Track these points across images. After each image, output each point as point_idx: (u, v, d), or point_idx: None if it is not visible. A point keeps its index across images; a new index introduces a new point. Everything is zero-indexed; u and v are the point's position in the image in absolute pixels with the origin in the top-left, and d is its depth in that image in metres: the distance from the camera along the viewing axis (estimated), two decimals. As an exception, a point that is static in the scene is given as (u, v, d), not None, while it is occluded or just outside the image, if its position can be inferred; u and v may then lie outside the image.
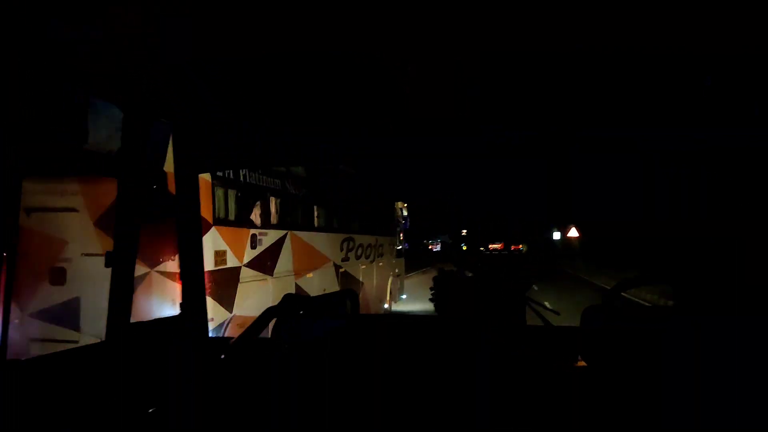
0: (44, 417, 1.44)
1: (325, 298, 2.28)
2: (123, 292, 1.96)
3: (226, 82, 2.02)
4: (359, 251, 10.31)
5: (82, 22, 1.50)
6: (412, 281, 19.17)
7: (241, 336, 1.97)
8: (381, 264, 11.97)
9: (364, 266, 10.54)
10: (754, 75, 1.66)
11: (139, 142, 1.98)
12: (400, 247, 14.51)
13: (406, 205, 15.47)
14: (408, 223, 15.49)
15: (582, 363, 1.65)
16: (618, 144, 1.94)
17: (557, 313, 2.30)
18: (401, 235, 14.68)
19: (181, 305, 2.34)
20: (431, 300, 2.41)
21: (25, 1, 1.41)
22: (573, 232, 36.06)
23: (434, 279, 2.47)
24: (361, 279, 10.31)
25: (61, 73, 1.63)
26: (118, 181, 1.96)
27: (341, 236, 9.51)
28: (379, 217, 12.53)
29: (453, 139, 2.07)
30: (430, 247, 77.72)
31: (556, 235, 49.23)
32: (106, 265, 1.95)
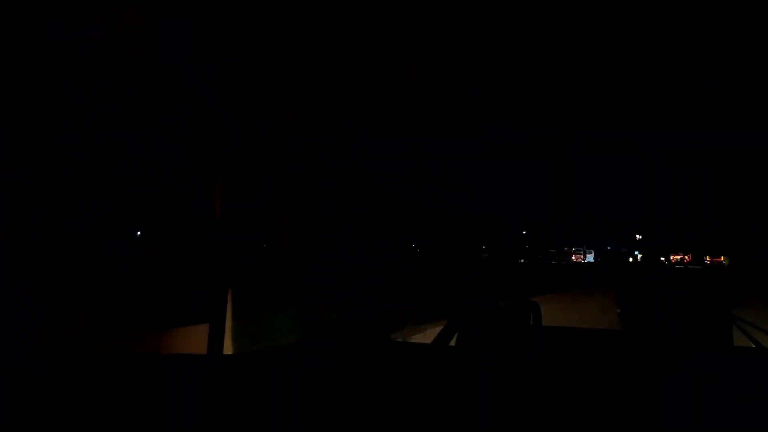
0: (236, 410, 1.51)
1: (507, 309, 2.23)
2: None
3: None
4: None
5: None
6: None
7: (433, 343, 1.94)
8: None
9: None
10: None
11: None
12: None
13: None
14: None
15: None
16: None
17: None
18: None
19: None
20: (619, 314, 2.19)
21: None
22: None
23: (621, 290, 2.23)
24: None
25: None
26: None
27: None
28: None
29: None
30: (573, 258, 59.40)
31: None
32: None
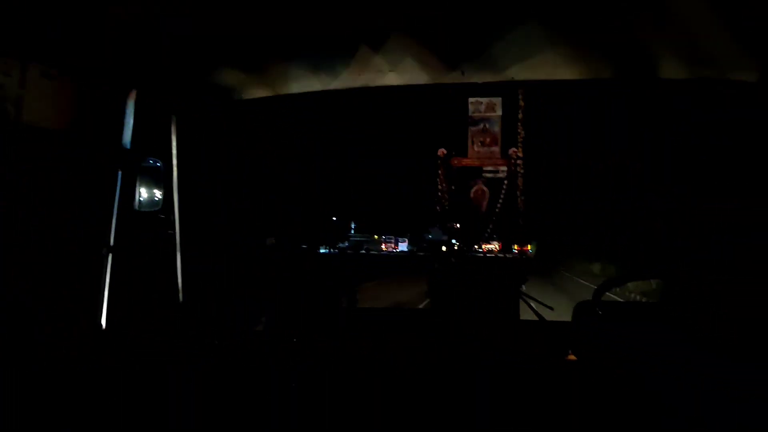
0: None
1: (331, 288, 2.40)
2: None
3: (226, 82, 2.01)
4: None
5: (83, 22, 1.50)
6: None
7: None
8: None
9: None
10: None
11: None
12: None
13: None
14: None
15: (572, 357, 1.70)
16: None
17: (551, 308, 2.26)
18: None
19: None
20: (427, 294, 2.44)
21: (26, 1, 1.40)
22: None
23: (431, 271, 2.48)
24: None
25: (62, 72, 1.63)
26: None
27: None
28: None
29: None
30: (384, 247, 51.33)
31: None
32: None
